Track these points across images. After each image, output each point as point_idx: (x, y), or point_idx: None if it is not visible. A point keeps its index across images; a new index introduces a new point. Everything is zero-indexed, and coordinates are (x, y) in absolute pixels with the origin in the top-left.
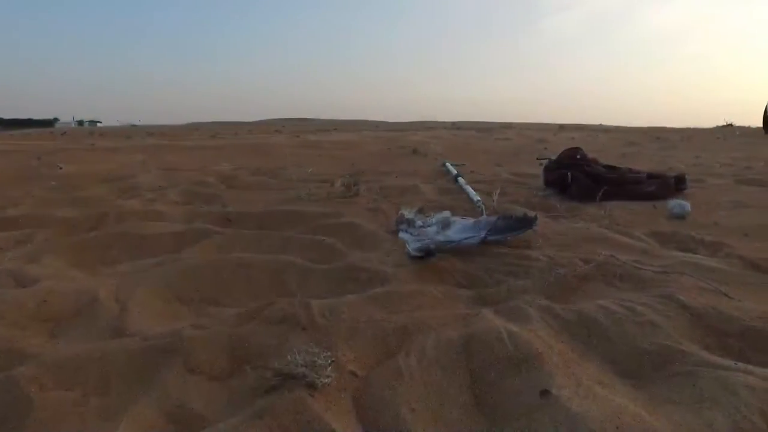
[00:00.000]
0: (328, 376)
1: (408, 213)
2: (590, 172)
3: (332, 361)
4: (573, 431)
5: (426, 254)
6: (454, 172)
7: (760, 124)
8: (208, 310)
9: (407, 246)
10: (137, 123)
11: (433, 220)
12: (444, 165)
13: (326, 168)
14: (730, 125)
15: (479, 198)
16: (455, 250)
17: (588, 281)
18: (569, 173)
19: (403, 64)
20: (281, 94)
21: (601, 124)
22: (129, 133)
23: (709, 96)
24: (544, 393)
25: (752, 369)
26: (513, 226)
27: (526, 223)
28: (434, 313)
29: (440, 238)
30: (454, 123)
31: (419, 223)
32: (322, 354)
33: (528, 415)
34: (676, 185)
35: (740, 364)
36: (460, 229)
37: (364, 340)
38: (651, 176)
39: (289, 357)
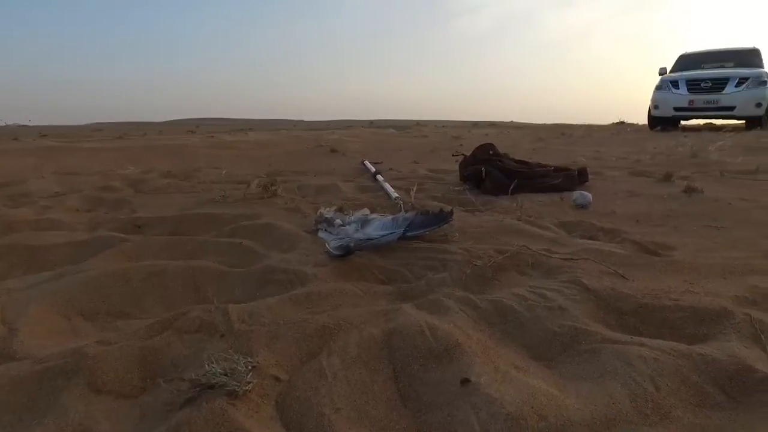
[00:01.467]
0: (249, 383)
1: (327, 212)
2: (503, 167)
3: (253, 367)
4: (492, 415)
5: (345, 253)
6: (373, 169)
7: (647, 122)
8: (115, 323)
9: (327, 245)
10: (27, 123)
11: (353, 218)
12: (363, 163)
13: (242, 169)
14: (623, 122)
15: (398, 195)
16: (375, 247)
17: (503, 271)
18: (483, 168)
19: (320, 63)
20: (194, 94)
21: (512, 121)
22: (16, 133)
23: (605, 95)
24: (465, 381)
25: (645, 341)
26: (430, 221)
27: (443, 217)
28: (356, 311)
29: (359, 236)
30: (372, 121)
31: (338, 221)
32: (242, 360)
33: (450, 403)
34: (579, 178)
35: (635, 338)
36: (379, 226)
37: (285, 343)
38: (557, 170)
39: (206, 366)
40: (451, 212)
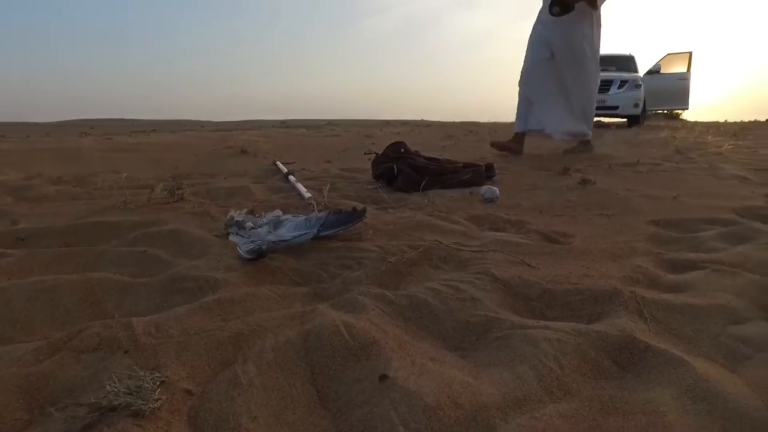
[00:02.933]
0: (157, 400)
1: (238, 215)
2: (414, 164)
3: (162, 382)
4: (411, 408)
5: (258, 255)
6: (285, 170)
7: None
8: None
9: (238, 249)
10: None
11: (264, 220)
12: (274, 163)
13: (145, 172)
14: None
15: (311, 195)
16: (288, 248)
17: (416, 266)
18: (395, 166)
19: (226, 62)
20: (85, 92)
21: (423, 120)
22: None
23: (511, 94)
24: (383, 377)
25: (549, 324)
26: (344, 220)
27: (356, 216)
28: (270, 315)
29: (272, 237)
30: (283, 121)
31: (250, 224)
32: (148, 376)
33: (369, 401)
34: (486, 173)
35: (541, 322)
36: (292, 227)
37: (197, 354)
38: (467, 166)
39: (107, 387)
40: (364, 210)
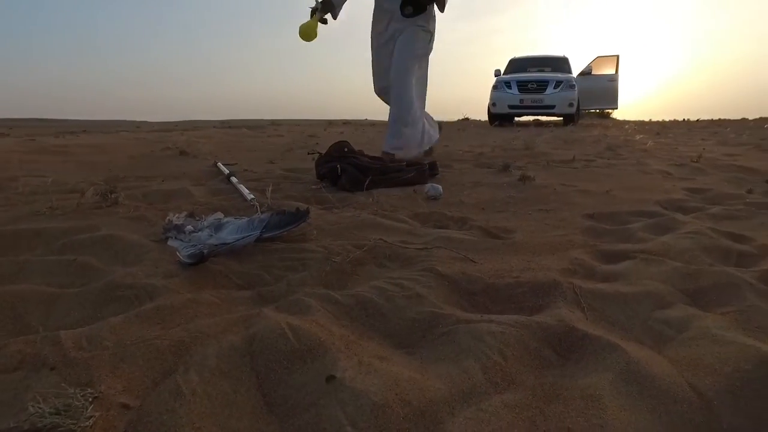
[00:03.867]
0: (90, 417)
1: (177, 218)
2: (358, 163)
3: (95, 398)
4: (359, 408)
5: (199, 260)
6: (227, 171)
7: (487, 118)
8: None
9: (178, 254)
10: None
11: (205, 223)
12: (215, 165)
13: (75, 176)
14: (467, 119)
15: (253, 196)
16: (231, 251)
17: (362, 265)
18: (339, 165)
19: (163, 61)
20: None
21: (367, 119)
22: None
23: (452, 93)
24: (330, 378)
25: (493, 317)
26: (287, 221)
27: (300, 216)
28: (213, 321)
29: (213, 241)
30: (224, 121)
31: (190, 227)
32: (79, 393)
33: (317, 403)
34: (430, 171)
35: (485, 316)
36: (234, 229)
37: (134, 365)
38: (410, 164)
39: (30, 408)
40: (308, 210)
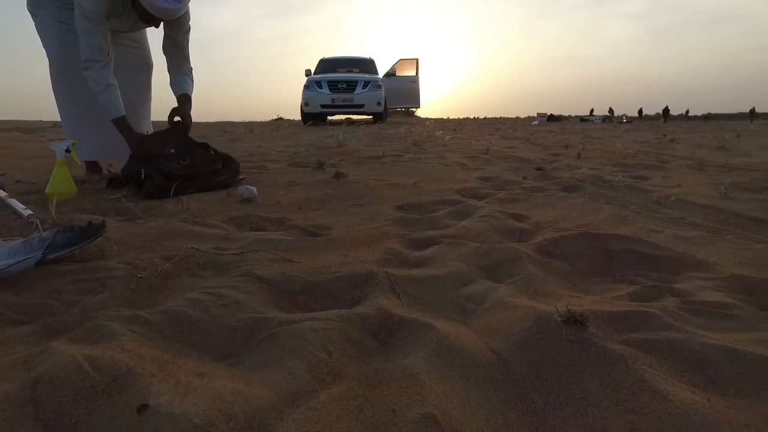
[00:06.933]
0: None
1: None
2: (163, 168)
3: None
4: None
5: None
6: None
7: (300, 118)
8: None
9: None
10: None
11: None
12: None
13: None
14: (281, 118)
15: (31, 212)
16: (3, 280)
17: (173, 278)
18: (143, 170)
19: None
20: None
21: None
22: None
23: (264, 93)
24: (143, 407)
25: (315, 315)
26: (78, 238)
27: (93, 231)
28: None
29: None
30: None
31: None
32: None
33: None
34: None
35: (307, 314)
36: (6, 253)
37: None
38: (225, 165)
39: None
40: (104, 223)
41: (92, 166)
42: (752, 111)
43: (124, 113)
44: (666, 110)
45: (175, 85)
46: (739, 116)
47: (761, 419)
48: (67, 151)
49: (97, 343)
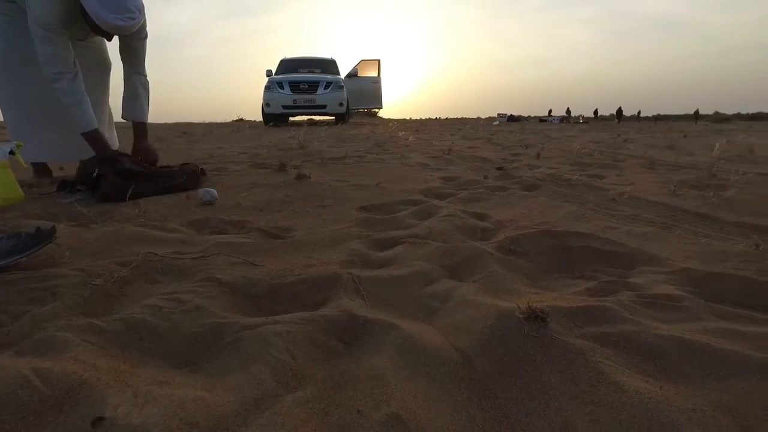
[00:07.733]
0: None
1: None
2: (121, 169)
3: None
4: None
5: None
6: None
7: (262, 119)
8: None
9: None
10: None
11: None
12: None
13: None
14: (242, 120)
15: None
16: None
17: (130, 284)
18: (96, 172)
19: None
20: None
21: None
22: None
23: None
24: (98, 420)
25: (279, 318)
26: (25, 245)
27: (42, 237)
28: None
29: None
30: None
31: None
32: None
33: None
34: (203, 173)
35: (270, 318)
36: None
37: None
38: (183, 169)
39: None
40: (54, 229)
41: (41, 169)
42: (696, 113)
43: (97, 125)
44: (620, 111)
45: (129, 111)
46: (685, 117)
47: (706, 403)
48: (11, 153)
49: (47, 355)
